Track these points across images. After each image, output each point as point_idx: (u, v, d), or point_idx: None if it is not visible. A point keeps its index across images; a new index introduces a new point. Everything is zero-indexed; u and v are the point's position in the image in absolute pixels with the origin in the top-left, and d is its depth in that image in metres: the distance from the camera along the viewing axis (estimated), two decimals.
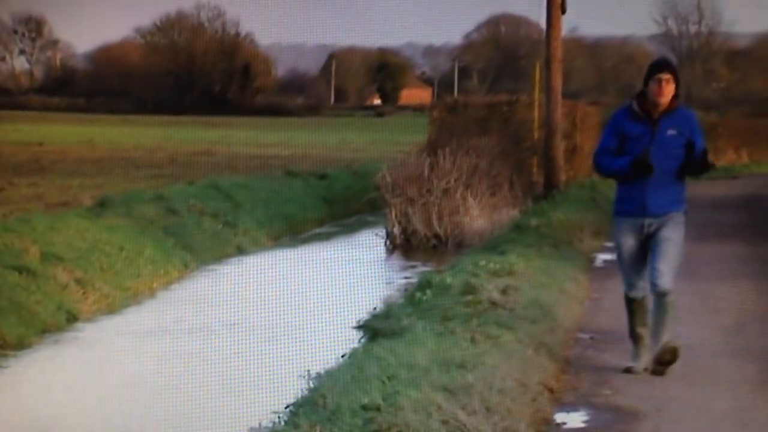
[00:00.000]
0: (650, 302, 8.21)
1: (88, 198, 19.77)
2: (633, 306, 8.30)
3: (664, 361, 8.10)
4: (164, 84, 58.23)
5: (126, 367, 11.40)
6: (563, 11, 22.96)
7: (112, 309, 14.19)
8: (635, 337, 8.33)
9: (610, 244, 7.80)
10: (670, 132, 7.91)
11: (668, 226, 8.02)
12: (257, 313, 13.34)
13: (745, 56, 67.56)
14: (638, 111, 7.97)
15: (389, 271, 18.10)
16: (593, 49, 68.64)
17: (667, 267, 7.97)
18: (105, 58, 61.70)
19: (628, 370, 8.27)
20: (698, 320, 10.47)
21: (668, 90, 7.87)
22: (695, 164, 7.91)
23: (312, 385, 8.19)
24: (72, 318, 13.29)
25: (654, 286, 8.01)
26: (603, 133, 8.27)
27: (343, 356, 9.28)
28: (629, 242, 8.13)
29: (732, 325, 10.50)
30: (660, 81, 7.87)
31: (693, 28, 68.91)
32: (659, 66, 7.99)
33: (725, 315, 11.03)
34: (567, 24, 33.96)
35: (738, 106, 58.84)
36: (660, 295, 8.02)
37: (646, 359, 8.27)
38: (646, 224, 8.05)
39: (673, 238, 8.01)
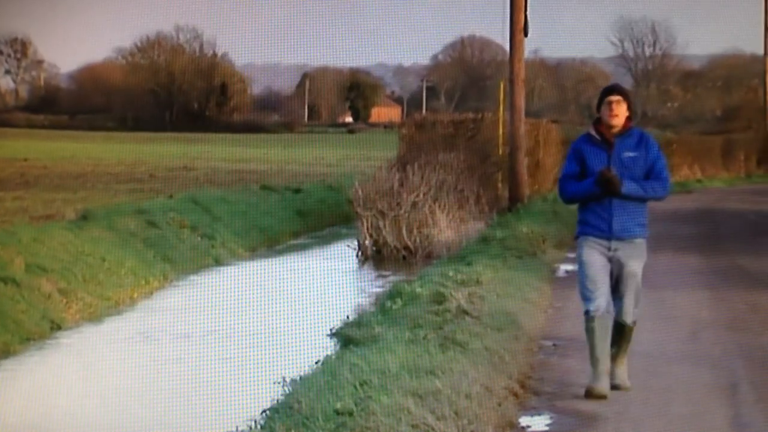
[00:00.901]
0: (610, 325, 7.90)
1: (72, 211, 19.64)
2: (593, 325, 7.82)
3: (619, 390, 7.97)
4: (144, 102, 57.98)
5: (107, 374, 11.32)
6: (525, 34, 23.03)
7: (94, 318, 14.11)
8: (594, 361, 7.88)
9: (572, 255, 7.68)
10: (628, 154, 7.82)
11: (634, 259, 7.89)
12: (234, 322, 13.29)
13: (697, 77, 67.96)
14: (595, 135, 7.88)
15: (361, 282, 18.07)
16: (554, 70, 68.87)
17: (633, 303, 7.95)
18: (87, 77, 61.39)
19: (588, 393, 7.82)
20: (656, 328, 10.49)
21: (620, 111, 7.82)
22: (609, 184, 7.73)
23: (287, 391, 8.17)
24: (55, 326, 13.21)
25: (618, 319, 7.95)
26: (565, 160, 8.11)
27: (317, 363, 9.25)
28: (595, 258, 7.86)
29: (687, 333, 10.54)
30: (611, 103, 7.82)
31: (648, 51, 69.32)
32: (609, 89, 7.97)
33: (681, 323, 11.06)
34: (529, 46, 34.07)
35: (691, 125, 59.17)
36: (623, 325, 7.99)
37: (605, 382, 7.85)
38: (612, 247, 7.86)
39: (638, 273, 7.91)
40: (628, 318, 7.96)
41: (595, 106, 8.03)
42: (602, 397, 7.80)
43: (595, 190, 7.77)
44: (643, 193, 7.82)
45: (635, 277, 7.89)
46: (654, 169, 7.86)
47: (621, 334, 7.97)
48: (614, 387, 7.94)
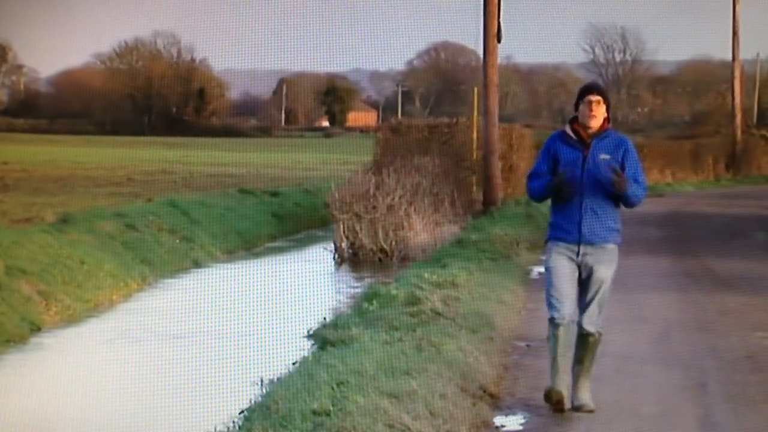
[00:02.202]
0: (574, 334, 7.54)
1: (51, 214, 19.54)
2: (557, 332, 7.49)
3: (581, 411, 7.45)
4: (123, 106, 57.84)
5: (86, 375, 11.27)
6: (499, 40, 23.09)
7: (74, 320, 14.04)
8: (553, 364, 7.54)
9: (545, 258, 7.50)
10: (603, 157, 7.41)
11: (604, 264, 7.46)
12: (212, 324, 13.26)
13: (667, 83, 68.35)
14: (571, 135, 7.50)
15: (338, 284, 18.06)
16: (527, 76, 69.13)
17: (597, 310, 7.50)
18: (67, 82, 61.17)
19: (547, 395, 7.52)
20: (627, 328, 10.54)
21: (599, 111, 7.44)
22: (610, 183, 7.34)
23: (265, 392, 8.15)
24: (35, 328, 13.14)
25: (582, 327, 7.49)
26: (537, 156, 7.72)
27: (294, 364, 9.23)
28: (563, 264, 7.48)
29: (658, 334, 10.58)
30: (591, 102, 7.43)
31: (618, 57, 69.70)
32: (589, 88, 7.58)
33: (651, 324, 11.11)
34: (502, 52, 34.15)
35: (661, 129, 59.50)
36: (587, 335, 7.51)
37: (564, 384, 7.51)
38: (581, 252, 7.46)
39: (607, 279, 7.49)
40: (591, 326, 7.47)
41: (573, 104, 7.63)
42: (560, 400, 7.44)
43: (552, 191, 7.43)
44: (630, 193, 7.43)
45: (603, 284, 7.47)
46: (637, 177, 7.48)
47: (584, 346, 7.51)
48: (576, 408, 7.47)
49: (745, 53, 48.35)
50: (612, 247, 7.51)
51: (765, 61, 57.77)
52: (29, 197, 24.57)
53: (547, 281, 7.59)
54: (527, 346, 9.78)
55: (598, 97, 7.47)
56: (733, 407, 7.74)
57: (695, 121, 57.31)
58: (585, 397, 7.52)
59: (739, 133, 45.17)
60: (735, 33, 43.82)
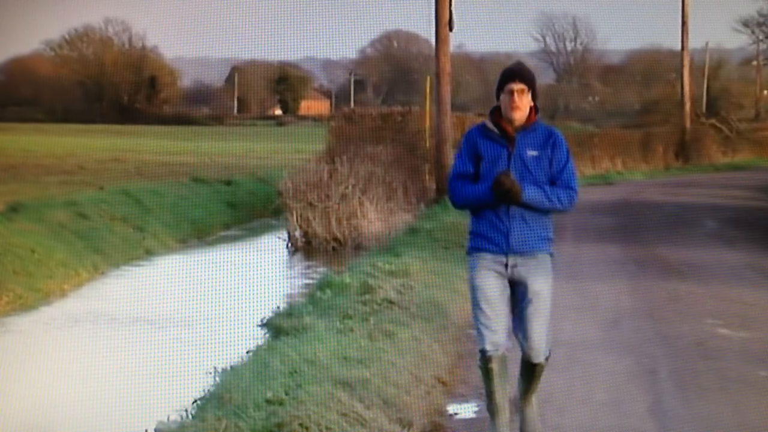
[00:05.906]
0: (507, 363, 6.36)
1: (1, 203, 19.33)
2: (490, 366, 6.29)
3: None
4: (74, 94, 57.37)
5: (37, 363, 11.18)
6: (450, 29, 23.11)
7: (25, 309, 13.92)
8: (494, 409, 6.40)
9: (470, 274, 6.63)
10: (531, 153, 6.29)
11: (537, 276, 6.29)
12: (165, 313, 13.18)
13: (617, 72, 68.78)
14: (493, 128, 6.34)
15: (291, 272, 18.04)
16: (479, 65, 69.27)
17: (539, 332, 6.31)
18: (16, 69, 60.51)
19: None
20: (578, 317, 10.61)
21: (523, 102, 6.27)
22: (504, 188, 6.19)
23: (218, 381, 8.12)
24: None
25: (526, 356, 6.37)
26: (456, 155, 6.52)
27: (248, 353, 9.21)
28: (490, 283, 6.29)
29: (609, 322, 10.66)
30: (512, 92, 6.26)
31: (569, 46, 70.06)
32: (510, 74, 6.33)
33: (602, 312, 11.18)
34: (455, 40, 34.18)
35: (612, 118, 59.87)
36: (535, 365, 6.40)
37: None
38: (510, 263, 6.28)
39: (543, 291, 6.30)
40: (539, 356, 6.34)
41: (495, 91, 6.43)
42: None
43: (491, 198, 6.26)
44: (547, 201, 6.27)
45: (539, 297, 6.29)
46: (562, 177, 6.33)
47: (530, 373, 6.41)
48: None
49: (694, 42, 48.77)
50: (544, 256, 6.37)
51: (714, 50, 58.37)
52: None
53: (473, 303, 6.38)
54: None
55: (522, 86, 6.29)
56: (683, 394, 7.82)
57: (645, 110, 57.69)
58: (532, 419, 6.56)
59: (688, 122, 45.56)
60: (684, 22, 44.15)
